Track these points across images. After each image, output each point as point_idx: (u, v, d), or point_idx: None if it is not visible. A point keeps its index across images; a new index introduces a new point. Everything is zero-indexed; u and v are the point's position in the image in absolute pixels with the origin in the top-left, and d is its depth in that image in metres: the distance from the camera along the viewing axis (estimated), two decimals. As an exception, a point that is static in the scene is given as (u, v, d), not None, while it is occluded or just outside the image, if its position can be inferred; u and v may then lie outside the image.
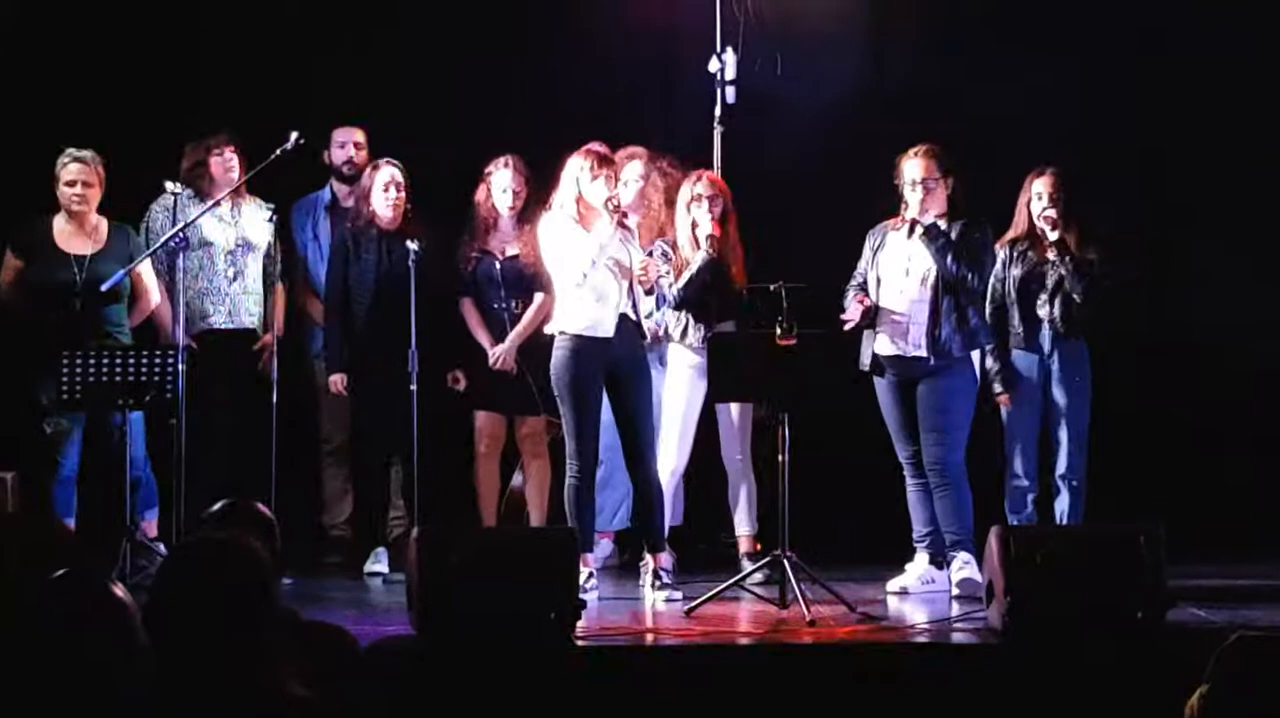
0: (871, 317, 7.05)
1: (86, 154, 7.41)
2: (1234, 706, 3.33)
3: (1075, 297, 7.16)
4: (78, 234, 7.44)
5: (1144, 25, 8.49)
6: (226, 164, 7.71)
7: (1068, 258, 7.16)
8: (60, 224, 7.45)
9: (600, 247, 6.87)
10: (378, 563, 7.65)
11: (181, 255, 7.42)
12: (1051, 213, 7.19)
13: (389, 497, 7.88)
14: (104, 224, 7.49)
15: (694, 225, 7.33)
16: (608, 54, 8.43)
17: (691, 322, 7.38)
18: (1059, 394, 7.24)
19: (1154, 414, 8.43)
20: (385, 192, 7.62)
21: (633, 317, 7.03)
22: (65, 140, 7.49)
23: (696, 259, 7.26)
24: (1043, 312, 7.23)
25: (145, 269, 7.57)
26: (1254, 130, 8.42)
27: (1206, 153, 8.45)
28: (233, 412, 7.64)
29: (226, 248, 7.75)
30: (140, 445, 7.41)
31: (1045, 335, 7.23)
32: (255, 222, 7.74)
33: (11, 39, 8.25)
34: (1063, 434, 7.25)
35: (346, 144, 8.12)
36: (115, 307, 7.44)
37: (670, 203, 7.58)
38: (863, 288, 7.09)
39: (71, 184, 7.39)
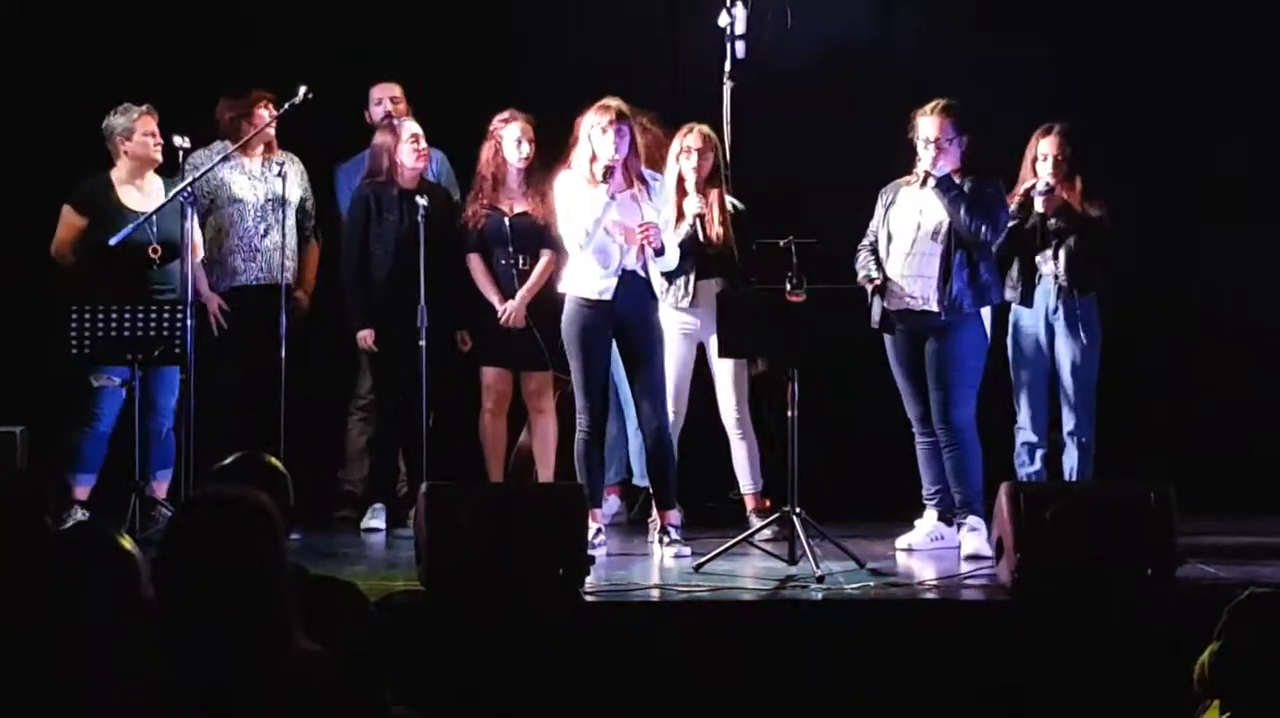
0: (881, 281, 7.02)
1: (152, 108, 7.41)
2: (1246, 660, 3.33)
3: (1078, 251, 7.11)
4: (139, 192, 7.43)
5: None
6: (266, 121, 7.70)
7: (1069, 213, 7.12)
8: (121, 181, 7.43)
9: (595, 218, 6.85)
10: (375, 519, 7.67)
11: (192, 210, 7.39)
12: (1048, 174, 7.14)
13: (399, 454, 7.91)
14: (157, 180, 7.49)
15: (680, 178, 7.27)
16: (616, 9, 8.38)
17: (667, 281, 7.33)
18: (1064, 351, 7.20)
19: (1165, 370, 8.41)
20: (414, 142, 7.61)
21: (642, 274, 7.00)
22: (97, 99, 7.48)
23: (684, 222, 7.20)
24: (1045, 268, 7.20)
25: (193, 223, 7.56)
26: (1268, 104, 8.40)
27: (1219, 114, 8.42)
28: (261, 367, 7.63)
29: (257, 204, 7.74)
30: (170, 400, 7.41)
31: (1048, 291, 7.20)
32: (287, 178, 7.71)
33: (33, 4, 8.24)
34: (1069, 391, 7.22)
35: (383, 100, 8.08)
36: (174, 263, 7.41)
37: (652, 160, 7.52)
38: (873, 249, 7.06)
39: (151, 134, 7.38)
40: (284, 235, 7.69)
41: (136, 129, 7.38)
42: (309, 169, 7.90)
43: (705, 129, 7.35)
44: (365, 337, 7.73)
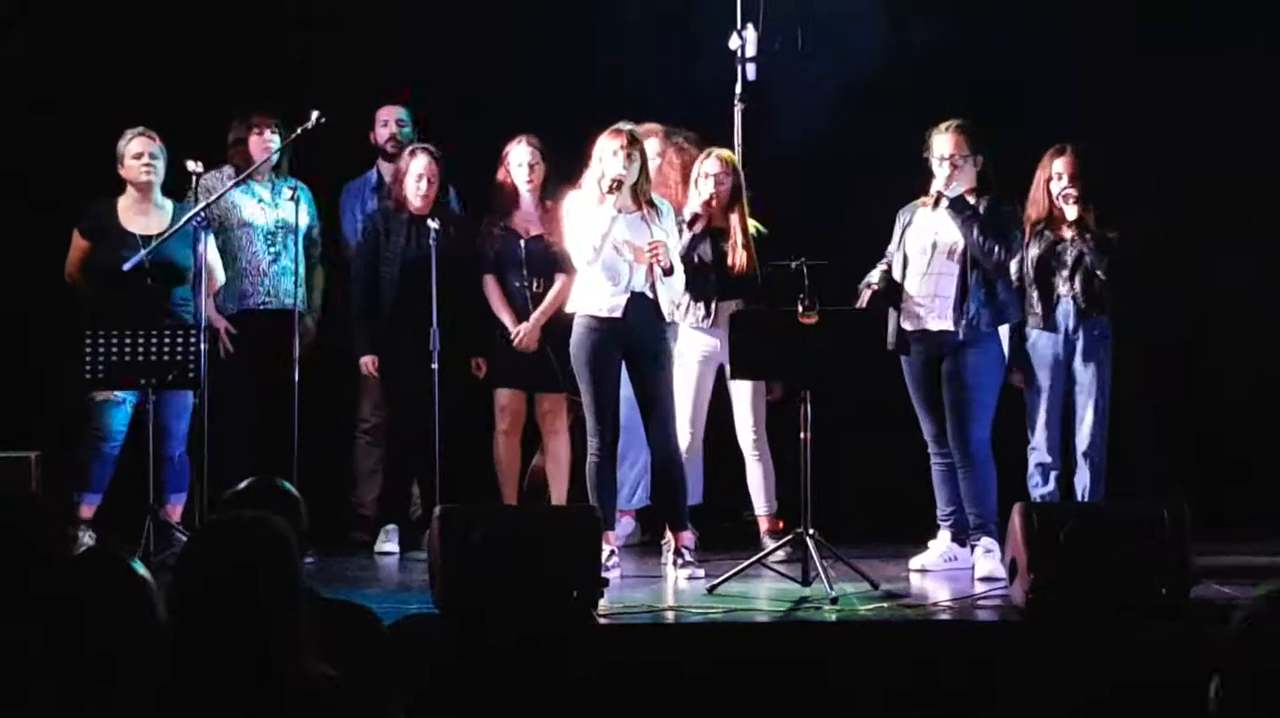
0: (895, 295, 7.02)
1: (148, 130, 7.46)
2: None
3: (1099, 273, 7.12)
4: (143, 215, 7.48)
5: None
6: (266, 143, 7.74)
7: (1088, 235, 7.13)
8: (125, 205, 7.49)
9: (602, 233, 6.86)
10: (388, 542, 7.69)
11: (204, 235, 7.42)
12: (1072, 191, 7.14)
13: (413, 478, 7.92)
14: (169, 204, 7.54)
15: (703, 202, 7.33)
16: (628, 31, 8.41)
17: (690, 300, 7.36)
18: (1080, 372, 7.19)
19: (1179, 391, 8.40)
20: (418, 182, 7.65)
21: (650, 296, 7.01)
22: (114, 126, 7.51)
23: (683, 239, 7.26)
24: (1063, 289, 7.19)
25: (210, 249, 7.57)
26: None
27: (1236, 132, 8.41)
28: (269, 390, 7.65)
29: (266, 228, 7.78)
30: (182, 425, 7.43)
31: (1067, 313, 7.19)
32: (299, 204, 7.74)
33: (49, 26, 8.25)
34: (1084, 411, 7.21)
35: (389, 122, 8.13)
36: (180, 287, 7.46)
37: (688, 180, 7.58)
38: (888, 268, 7.06)
39: (139, 156, 7.43)
40: (293, 261, 7.72)
41: (127, 153, 7.44)
42: (312, 190, 7.89)
43: (724, 153, 7.39)
44: (367, 363, 7.77)
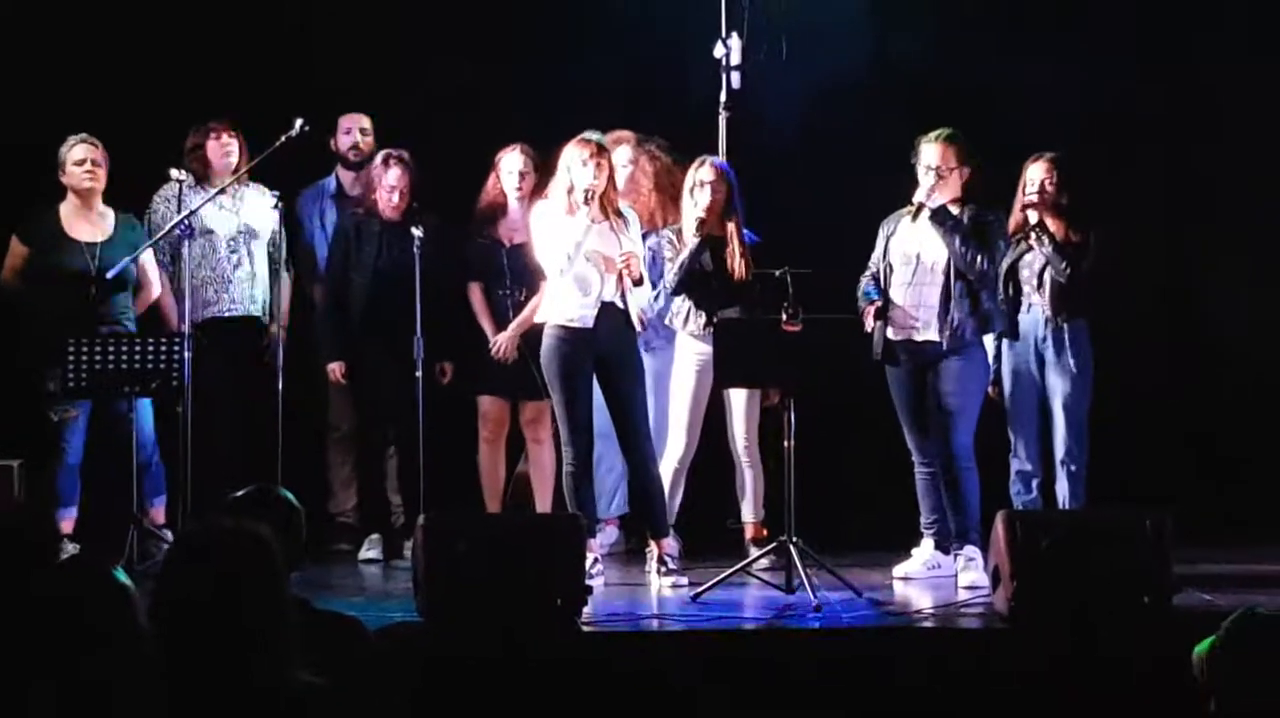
0: (883, 306, 7.03)
1: (91, 137, 7.43)
2: (1241, 678, 3.34)
3: (1060, 279, 7.12)
4: (86, 222, 7.45)
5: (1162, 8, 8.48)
6: (224, 148, 7.70)
7: (1046, 240, 7.12)
8: (68, 213, 7.45)
9: (576, 243, 6.86)
10: (372, 550, 7.70)
11: (186, 243, 7.41)
12: (1033, 198, 7.15)
13: (389, 484, 7.90)
14: (110, 213, 7.51)
15: (702, 211, 7.31)
16: (612, 40, 8.41)
17: (691, 309, 7.37)
18: (1053, 378, 7.19)
19: (1162, 397, 8.42)
20: (390, 194, 7.64)
21: (620, 306, 7.01)
22: (66, 131, 7.49)
23: (686, 246, 7.25)
24: (1033, 297, 7.20)
25: (148, 259, 7.57)
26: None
27: (1226, 138, 8.44)
28: (236, 398, 7.65)
29: (228, 235, 7.75)
30: (148, 430, 7.42)
31: (1037, 320, 7.19)
32: (258, 208, 7.73)
33: (10, 27, 8.21)
34: (1059, 419, 7.20)
35: (352, 130, 8.10)
36: (122, 295, 7.45)
37: (660, 188, 7.57)
38: (875, 278, 7.07)
39: (81, 163, 7.40)
40: (256, 267, 7.70)
41: (69, 159, 7.42)
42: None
43: (717, 161, 7.35)
44: (334, 369, 7.76)
